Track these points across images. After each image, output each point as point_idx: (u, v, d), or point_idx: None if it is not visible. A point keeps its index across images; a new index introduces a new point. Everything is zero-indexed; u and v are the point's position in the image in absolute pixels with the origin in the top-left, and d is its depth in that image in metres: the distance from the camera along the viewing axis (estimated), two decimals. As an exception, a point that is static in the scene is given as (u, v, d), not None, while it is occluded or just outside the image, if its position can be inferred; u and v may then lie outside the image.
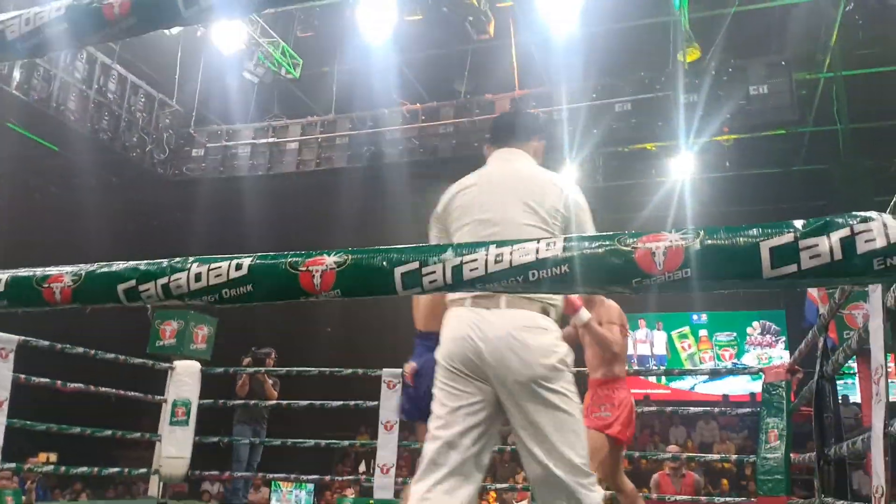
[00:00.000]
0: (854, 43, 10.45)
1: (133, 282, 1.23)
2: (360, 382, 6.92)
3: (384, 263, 1.08)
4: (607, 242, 1.02)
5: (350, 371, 6.75)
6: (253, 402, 6.80)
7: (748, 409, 7.79)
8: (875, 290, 2.87)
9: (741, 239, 0.96)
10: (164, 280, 1.21)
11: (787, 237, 0.95)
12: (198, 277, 1.18)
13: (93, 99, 10.96)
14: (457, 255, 1.06)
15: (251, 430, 6.83)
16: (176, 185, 11.81)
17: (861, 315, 5.05)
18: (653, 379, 13.72)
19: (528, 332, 1.97)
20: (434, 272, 1.06)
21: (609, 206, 11.94)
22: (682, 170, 11.70)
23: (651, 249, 0.99)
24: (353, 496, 7.47)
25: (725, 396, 13.44)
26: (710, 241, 0.97)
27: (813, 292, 4.83)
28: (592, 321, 3.60)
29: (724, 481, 11.48)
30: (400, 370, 6.36)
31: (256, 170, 11.43)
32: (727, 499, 8.24)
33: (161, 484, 6.81)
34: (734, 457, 8.05)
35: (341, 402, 6.76)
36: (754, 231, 0.97)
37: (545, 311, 1.99)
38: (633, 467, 9.90)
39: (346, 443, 7.42)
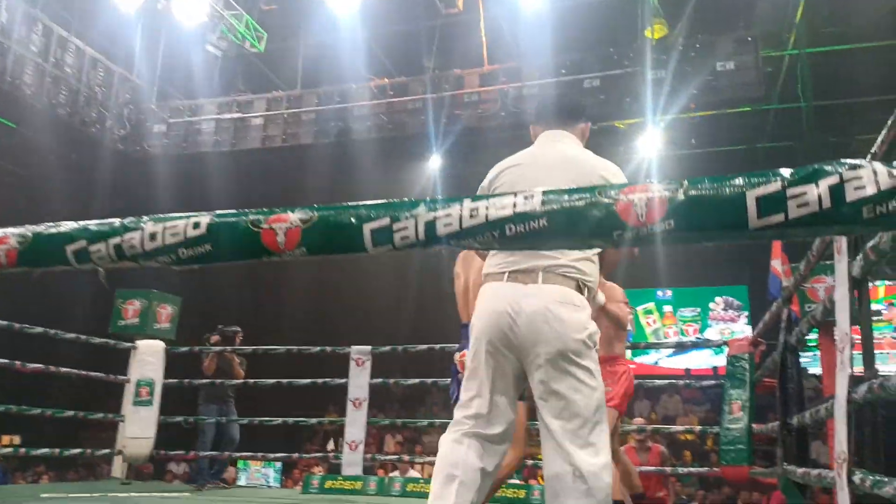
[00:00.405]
0: (819, 20, 10.54)
1: (83, 242, 1.15)
2: (328, 360, 6.85)
3: (352, 219, 1.02)
4: (587, 195, 0.97)
5: (318, 349, 6.68)
6: (219, 381, 6.69)
7: (711, 382, 7.90)
8: (841, 260, 2.89)
9: (726, 188, 0.92)
10: (115, 240, 1.13)
11: (775, 186, 0.92)
12: (152, 237, 1.10)
13: (49, 73, 10.59)
14: (430, 210, 1.00)
15: (217, 410, 6.71)
16: (137, 162, 11.49)
17: (823, 289, 5.13)
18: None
19: (563, 307, 2.02)
20: (406, 228, 1.01)
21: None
22: (650, 147, 11.75)
23: (633, 201, 0.94)
24: (322, 473, 7.43)
25: (688, 370, 13.64)
26: (693, 192, 0.93)
27: (777, 266, 4.88)
28: (609, 303, 3.77)
29: (687, 453, 11.70)
30: (369, 347, 6.33)
31: (221, 146, 11.16)
32: (691, 468, 8.40)
33: (125, 465, 6.70)
34: (698, 428, 8.17)
35: (309, 381, 6.69)
36: (740, 180, 0.93)
37: (580, 289, 2.07)
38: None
39: (314, 420, 7.35)
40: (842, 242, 2.87)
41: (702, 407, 13.16)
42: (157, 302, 7.10)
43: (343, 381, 6.38)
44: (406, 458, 8.20)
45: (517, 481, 5.71)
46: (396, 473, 8.97)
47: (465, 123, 10.24)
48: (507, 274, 2.05)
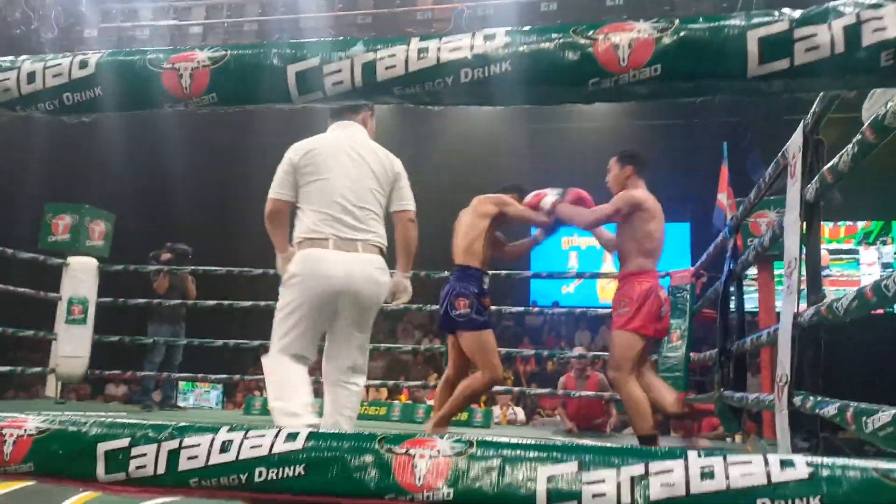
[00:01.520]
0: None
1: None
2: (274, 281, 6.65)
3: (275, 60, 0.84)
4: (559, 34, 0.81)
5: (261, 271, 6.46)
6: (172, 301, 6.40)
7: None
8: (794, 183, 2.84)
9: (724, 29, 0.78)
10: (-15, 83, 0.92)
11: (780, 26, 0.76)
12: (31, 78, 0.90)
13: (-34, -33, 9.70)
14: (369, 50, 0.83)
15: (170, 330, 6.45)
16: (67, 71, 10.74)
17: (765, 223, 5.15)
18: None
19: (379, 273, 2.64)
20: (339, 71, 0.83)
21: (533, 113, 11.74)
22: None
23: (614, 42, 0.79)
24: (264, 396, 7.33)
25: (556, 302, 13.82)
26: (685, 33, 0.78)
27: (722, 200, 4.86)
28: (562, 205, 3.59)
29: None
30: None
31: (158, 58, 10.46)
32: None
33: (59, 384, 6.47)
34: (638, 356, 8.32)
35: (251, 303, 6.49)
36: (739, 19, 0.78)
37: (382, 255, 2.67)
38: (539, 368, 10.16)
39: (258, 343, 7.17)
40: (796, 165, 2.81)
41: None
42: (90, 218, 6.72)
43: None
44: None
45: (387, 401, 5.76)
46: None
47: (416, 43, 9.80)
48: (331, 241, 2.54)
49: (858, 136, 2.10)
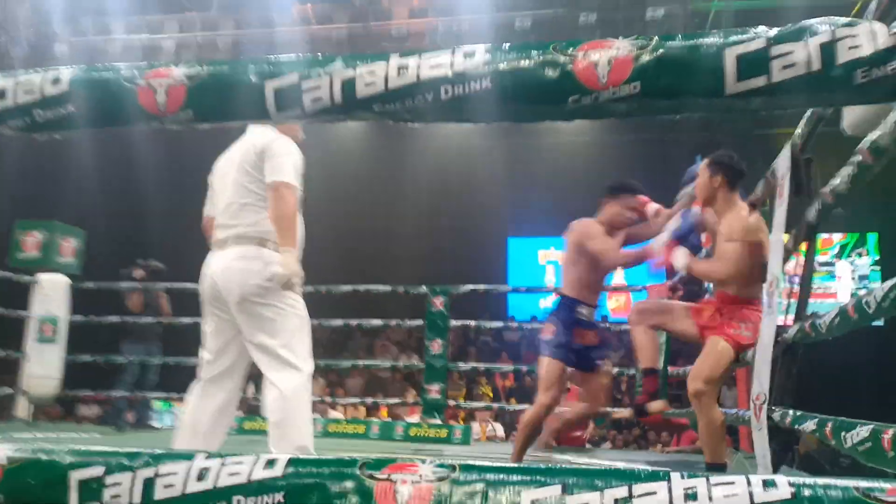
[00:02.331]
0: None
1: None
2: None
3: (252, 77, 0.83)
4: (539, 51, 0.81)
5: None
6: (146, 319, 6.28)
7: (628, 328, 8.00)
8: (781, 204, 2.83)
9: (702, 47, 0.78)
10: (-46, 101, 0.90)
11: (757, 43, 0.77)
12: (1, 94, 0.88)
13: (-66, -18, 9.56)
14: (348, 67, 0.82)
15: (144, 349, 6.32)
16: (38, 86, 10.56)
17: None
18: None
19: (239, 261, 2.46)
20: (318, 87, 0.82)
21: (510, 128, 11.80)
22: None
23: (593, 60, 0.79)
24: (242, 415, 7.24)
25: (605, 316, 13.94)
26: (663, 50, 0.79)
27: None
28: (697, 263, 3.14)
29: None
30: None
31: (131, 73, 10.33)
32: (604, 409, 8.60)
33: (30, 405, 6.32)
34: (615, 370, 8.34)
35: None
36: (716, 37, 0.78)
37: (262, 244, 2.49)
38: (518, 384, 10.16)
39: (233, 360, 7.05)
40: (784, 186, 2.81)
41: (616, 353, 13.50)
42: (61, 234, 6.61)
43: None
44: (328, 399, 8.08)
45: (437, 421, 5.70)
46: (317, 415, 8.86)
47: (391, 58, 9.80)
48: (214, 244, 2.56)
49: (857, 158, 2.10)
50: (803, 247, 2.92)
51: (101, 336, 7.15)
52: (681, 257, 3.08)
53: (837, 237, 10.82)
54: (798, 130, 2.66)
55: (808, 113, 2.36)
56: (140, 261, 6.59)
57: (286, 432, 2.40)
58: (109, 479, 0.85)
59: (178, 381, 7.36)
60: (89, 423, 9.20)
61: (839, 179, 2.31)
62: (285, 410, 2.41)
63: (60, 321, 6.35)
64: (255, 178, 2.51)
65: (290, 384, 2.43)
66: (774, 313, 2.75)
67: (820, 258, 10.86)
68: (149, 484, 0.85)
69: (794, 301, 2.86)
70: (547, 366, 3.38)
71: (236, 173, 2.55)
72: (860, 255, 10.86)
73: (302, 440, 2.41)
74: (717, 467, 2.96)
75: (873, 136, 1.91)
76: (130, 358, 6.22)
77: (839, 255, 10.89)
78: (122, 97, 0.86)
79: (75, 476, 0.87)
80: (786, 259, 2.92)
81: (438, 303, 5.59)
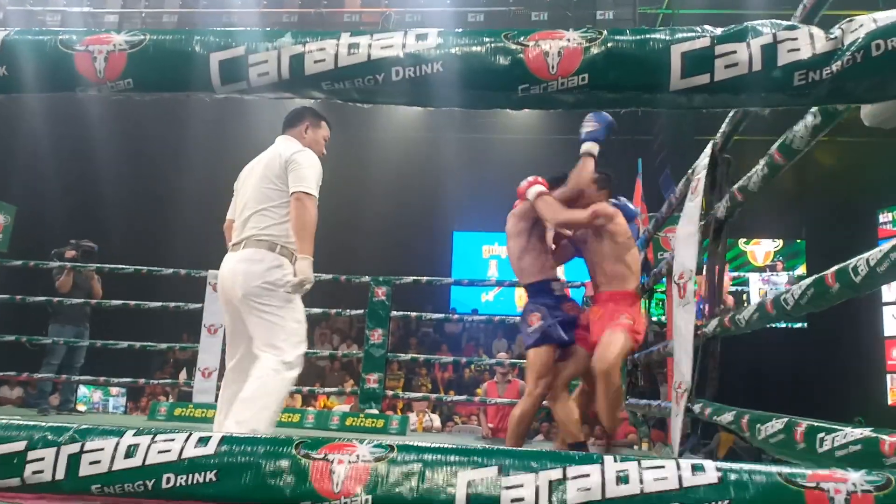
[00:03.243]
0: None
1: None
2: (185, 284, 6.41)
3: (197, 47, 0.81)
4: (491, 38, 0.81)
5: (171, 271, 6.22)
6: (76, 300, 6.05)
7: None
8: (694, 198, 2.95)
9: (650, 42, 0.80)
10: None
11: (703, 42, 0.80)
12: (-74, 54, 0.83)
13: None
14: (298, 42, 0.80)
15: (74, 331, 6.08)
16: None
17: (675, 238, 5.35)
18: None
19: (245, 263, 2.67)
20: (266, 61, 0.80)
21: (461, 123, 11.82)
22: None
23: (544, 49, 0.80)
24: (170, 401, 7.07)
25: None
26: (612, 44, 0.80)
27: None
28: (544, 196, 3.24)
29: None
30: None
31: (69, 46, 9.90)
32: (546, 402, 8.73)
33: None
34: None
35: (160, 304, 6.24)
36: (664, 34, 0.80)
37: (271, 248, 2.69)
38: (456, 375, 10.22)
39: (164, 346, 6.90)
40: (700, 182, 2.92)
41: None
42: (-12, 210, 6.34)
43: (199, 305, 5.99)
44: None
45: (375, 411, 5.67)
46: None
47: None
48: (231, 246, 2.79)
49: (767, 158, 2.21)
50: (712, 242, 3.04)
51: (29, 317, 6.88)
52: (533, 189, 3.26)
53: (771, 244, 11.14)
54: (722, 129, 2.76)
55: (731, 113, 2.46)
56: (73, 241, 6.35)
57: (243, 410, 2.53)
58: (31, 455, 0.82)
59: (107, 364, 7.16)
60: (11, 406, 8.86)
61: (750, 178, 2.41)
62: (255, 391, 2.55)
63: (-17, 300, 6.08)
64: (277, 187, 2.72)
65: (271, 374, 2.59)
66: (690, 302, 2.85)
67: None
68: (74, 460, 0.82)
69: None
70: (535, 356, 3.31)
71: (258, 180, 2.75)
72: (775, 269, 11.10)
73: (257, 424, 2.49)
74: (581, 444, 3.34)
75: (785, 137, 2.00)
76: (55, 339, 5.99)
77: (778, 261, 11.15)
78: (58, 62, 0.82)
79: (-5, 452, 0.83)
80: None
81: (381, 293, 5.57)
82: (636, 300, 3.39)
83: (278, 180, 2.72)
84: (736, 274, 10.85)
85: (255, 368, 2.61)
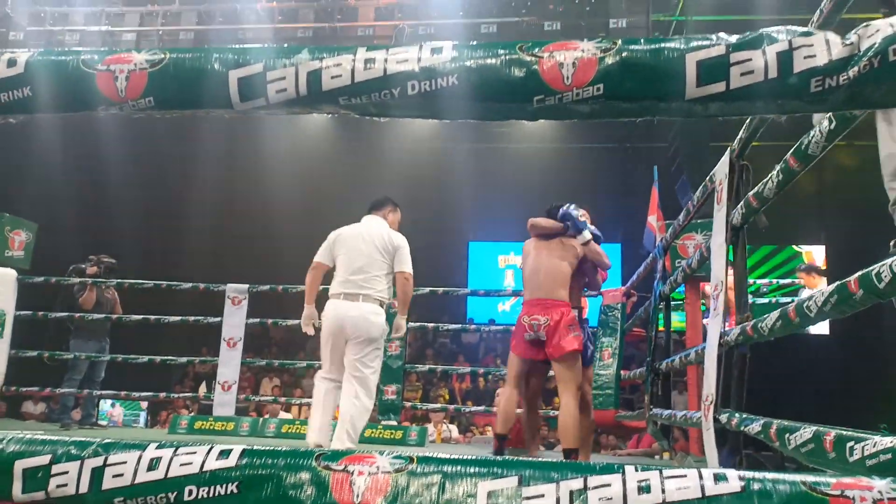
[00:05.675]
0: (708, -13, 10.80)
1: None
2: (206, 299, 6.45)
3: (216, 65, 0.82)
4: (506, 50, 0.82)
5: (191, 285, 6.27)
6: (98, 315, 6.11)
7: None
8: (721, 209, 2.92)
9: (664, 51, 0.80)
10: None
11: (717, 49, 0.80)
12: (-48, 76, 0.85)
13: None
14: (314, 58, 0.81)
15: (95, 346, 6.15)
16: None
17: (693, 245, 5.31)
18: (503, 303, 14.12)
19: (372, 315, 3.73)
20: (283, 78, 0.81)
21: (476, 133, 11.84)
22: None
23: (558, 60, 0.80)
24: (191, 415, 7.10)
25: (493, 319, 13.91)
26: (626, 53, 0.80)
27: (652, 222, 4.99)
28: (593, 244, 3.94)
29: (557, 399, 12.06)
30: (246, 286, 6.02)
31: (88, 64, 10.03)
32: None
33: (-29, 402, 6.10)
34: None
35: (179, 318, 6.29)
36: (679, 42, 0.80)
37: (381, 305, 3.80)
38: (472, 385, 10.19)
39: (184, 360, 6.96)
40: (723, 191, 2.90)
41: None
42: (10, 227, 6.40)
43: (217, 319, 6.03)
44: (283, 399, 7.99)
45: (393, 422, 5.67)
46: (268, 416, 8.73)
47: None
48: (342, 295, 3.77)
49: (782, 164, 2.19)
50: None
51: (50, 332, 6.95)
52: (587, 233, 3.92)
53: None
54: (739, 136, 2.74)
55: (748, 120, 2.44)
56: (93, 257, 6.42)
57: (350, 426, 3.64)
58: (56, 468, 0.83)
59: (124, 381, 7.21)
60: (34, 421, 8.94)
61: (765, 184, 2.38)
62: (355, 409, 3.67)
63: (6, 315, 6.15)
64: (386, 261, 3.85)
65: (363, 397, 3.72)
66: (719, 314, 2.83)
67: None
68: (97, 473, 0.83)
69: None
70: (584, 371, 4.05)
71: (372, 251, 3.83)
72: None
73: (356, 435, 3.68)
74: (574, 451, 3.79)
75: (801, 142, 1.98)
76: (77, 354, 6.05)
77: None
78: (80, 81, 0.84)
79: (20, 465, 0.84)
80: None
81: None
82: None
83: (387, 255, 3.85)
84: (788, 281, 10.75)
85: (354, 397, 3.69)
